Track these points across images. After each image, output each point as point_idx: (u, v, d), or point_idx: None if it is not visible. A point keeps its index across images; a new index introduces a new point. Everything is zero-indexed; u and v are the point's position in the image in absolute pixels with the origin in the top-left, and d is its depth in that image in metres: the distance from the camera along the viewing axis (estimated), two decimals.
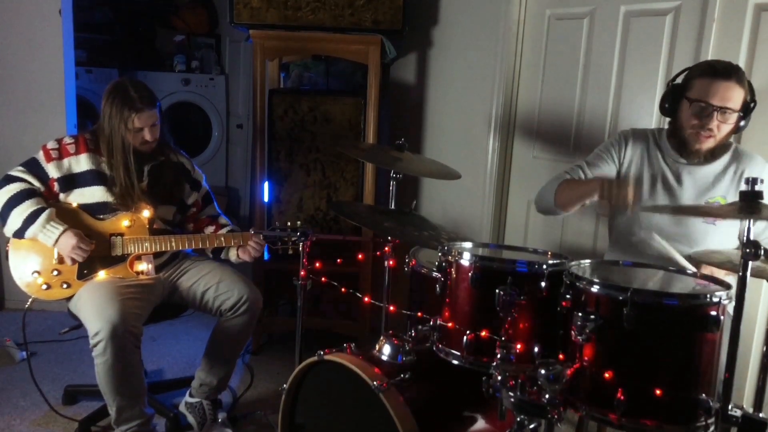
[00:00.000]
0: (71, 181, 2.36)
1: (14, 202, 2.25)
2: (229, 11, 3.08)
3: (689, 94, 2.03)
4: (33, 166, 2.34)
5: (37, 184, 2.32)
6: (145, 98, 2.33)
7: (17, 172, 2.33)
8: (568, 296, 1.55)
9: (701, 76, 2.02)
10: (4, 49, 3.59)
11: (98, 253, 2.35)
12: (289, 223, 2.34)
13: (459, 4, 3.26)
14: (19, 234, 2.26)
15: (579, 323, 1.47)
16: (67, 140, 2.39)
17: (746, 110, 2.02)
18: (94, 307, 2.19)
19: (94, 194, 2.38)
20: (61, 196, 2.37)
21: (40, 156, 2.35)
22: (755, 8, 2.30)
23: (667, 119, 2.19)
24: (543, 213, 2.31)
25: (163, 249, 2.41)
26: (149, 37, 5.83)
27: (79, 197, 2.38)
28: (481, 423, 1.78)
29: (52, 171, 2.33)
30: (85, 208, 2.38)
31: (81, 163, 2.37)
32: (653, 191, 2.17)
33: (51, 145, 2.36)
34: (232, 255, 2.51)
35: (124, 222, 2.38)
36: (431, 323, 1.75)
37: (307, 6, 3.06)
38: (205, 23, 5.67)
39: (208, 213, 2.64)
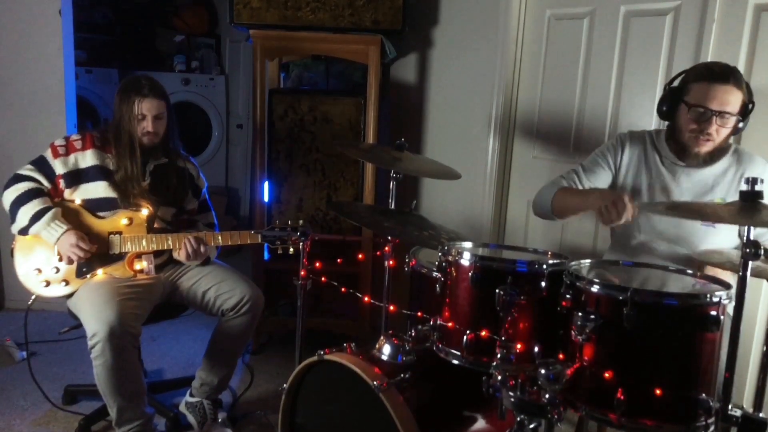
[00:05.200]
0: (77, 177, 2.40)
1: (22, 200, 2.31)
2: (229, 11, 3.08)
3: (687, 98, 2.01)
4: (41, 164, 2.39)
5: (44, 182, 2.37)
6: (154, 88, 2.40)
7: (26, 170, 2.38)
8: (568, 296, 1.55)
9: (699, 80, 2.00)
10: (4, 50, 3.60)
11: (97, 251, 2.36)
12: (289, 222, 2.35)
13: (459, 4, 3.26)
14: (24, 231, 2.32)
15: (579, 323, 1.47)
16: (75, 137, 2.44)
17: (744, 112, 2.01)
18: (91, 309, 2.19)
19: (98, 189, 2.40)
20: (67, 192, 2.40)
21: (48, 153, 2.40)
22: (755, 9, 2.30)
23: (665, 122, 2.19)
24: (540, 217, 2.32)
25: (160, 248, 2.41)
26: (149, 37, 5.83)
27: (83, 193, 2.41)
28: (481, 423, 1.78)
29: (59, 167, 2.38)
30: (88, 203, 2.41)
31: (87, 159, 2.40)
32: (651, 193, 2.17)
33: (59, 141, 2.42)
34: (175, 254, 2.47)
35: (122, 220, 2.39)
36: (431, 323, 1.75)
37: (307, 6, 3.06)
38: (205, 23, 5.67)
39: (204, 220, 2.65)
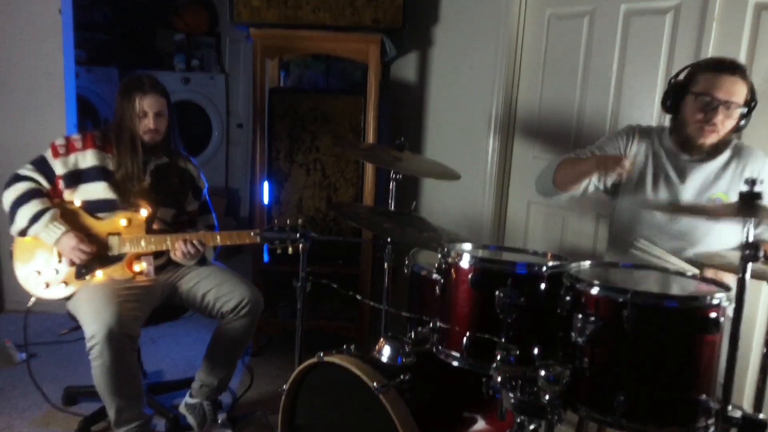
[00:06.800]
0: (77, 177, 2.39)
1: (21, 201, 2.31)
2: (229, 10, 3.08)
3: (694, 88, 2.03)
4: (41, 164, 2.38)
5: (44, 182, 2.36)
6: (155, 85, 2.41)
7: (26, 170, 2.37)
8: (568, 298, 1.54)
9: (706, 70, 2.02)
10: (4, 49, 3.59)
11: (96, 252, 2.36)
12: (288, 221, 2.34)
13: (459, 3, 3.26)
14: (23, 232, 2.32)
15: (579, 325, 1.46)
16: (75, 137, 2.44)
17: (748, 108, 2.02)
18: (90, 310, 2.19)
19: (97, 190, 2.40)
20: (66, 193, 2.40)
21: (48, 153, 2.39)
22: (755, 8, 2.30)
23: (668, 117, 2.19)
24: (542, 194, 2.32)
25: (159, 248, 2.41)
26: (149, 37, 5.82)
27: (82, 194, 2.40)
28: (481, 424, 1.78)
29: (59, 167, 2.37)
30: (87, 205, 2.40)
31: (87, 159, 2.40)
32: (656, 188, 2.17)
33: (59, 141, 2.41)
34: (171, 254, 2.46)
35: (121, 221, 2.39)
36: (431, 325, 1.74)
37: (308, 5, 3.05)
38: (205, 22, 5.67)
39: (205, 222, 2.64)
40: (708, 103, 1.99)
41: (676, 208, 2.08)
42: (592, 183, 2.23)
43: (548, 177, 2.23)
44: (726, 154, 2.12)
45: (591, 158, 2.14)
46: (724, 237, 2.10)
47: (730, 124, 2.03)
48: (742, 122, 2.04)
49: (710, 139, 2.05)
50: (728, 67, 1.99)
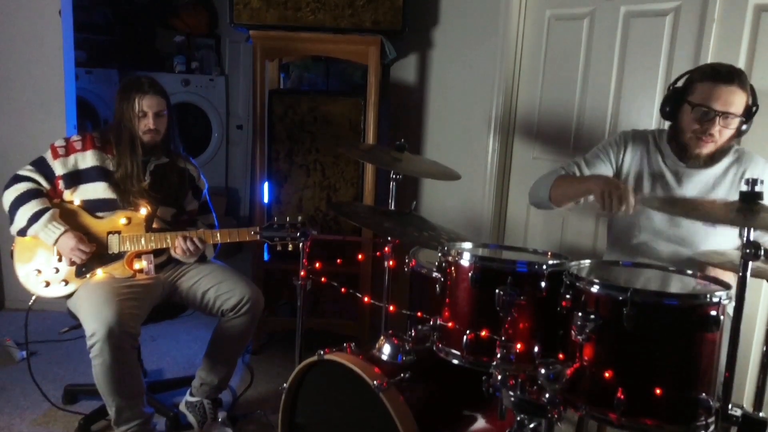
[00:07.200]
0: (76, 178, 2.40)
1: (21, 201, 2.32)
2: (229, 12, 3.08)
3: (691, 98, 2.00)
4: (40, 165, 2.39)
5: (44, 183, 2.38)
6: (154, 86, 2.42)
7: (26, 171, 2.38)
8: (568, 296, 1.55)
9: (703, 80, 1.99)
10: (4, 50, 3.60)
11: (96, 251, 2.36)
12: (288, 218, 2.34)
13: (459, 4, 3.27)
14: (23, 232, 2.33)
15: (579, 323, 1.46)
16: (75, 138, 2.45)
17: (748, 114, 1.99)
18: (91, 308, 2.19)
19: (97, 190, 2.40)
20: (66, 193, 2.40)
21: (48, 154, 2.40)
22: (755, 9, 2.30)
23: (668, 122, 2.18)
24: (535, 206, 2.33)
25: (159, 246, 2.41)
26: (149, 38, 5.83)
27: (82, 193, 2.41)
28: (481, 422, 1.78)
29: (58, 168, 2.38)
30: (87, 204, 2.41)
31: (87, 159, 2.41)
32: (653, 194, 2.16)
33: (59, 142, 2.42)
34: (172, 251, 2.45)
35: (121, 220, 2.39)
36: (431, 323, 1.75)
37: (307, 6, 3.06)
38: (205, 24, 5.67)
39: (205, 221, 2.65)
40: (705, 114, 1.96)
41: (669, 202, 2.03)
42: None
43: (543, 193, 2.22)
44: (725, 160, 2.10)
45: (591, 182, 2.06)
46: (723, 242, 2.09)
47: (727, 133, 2.00)
48: (743, 127, 2.02)
49: (706, 150, 2.04)
50: (725, 77, 1.95)
